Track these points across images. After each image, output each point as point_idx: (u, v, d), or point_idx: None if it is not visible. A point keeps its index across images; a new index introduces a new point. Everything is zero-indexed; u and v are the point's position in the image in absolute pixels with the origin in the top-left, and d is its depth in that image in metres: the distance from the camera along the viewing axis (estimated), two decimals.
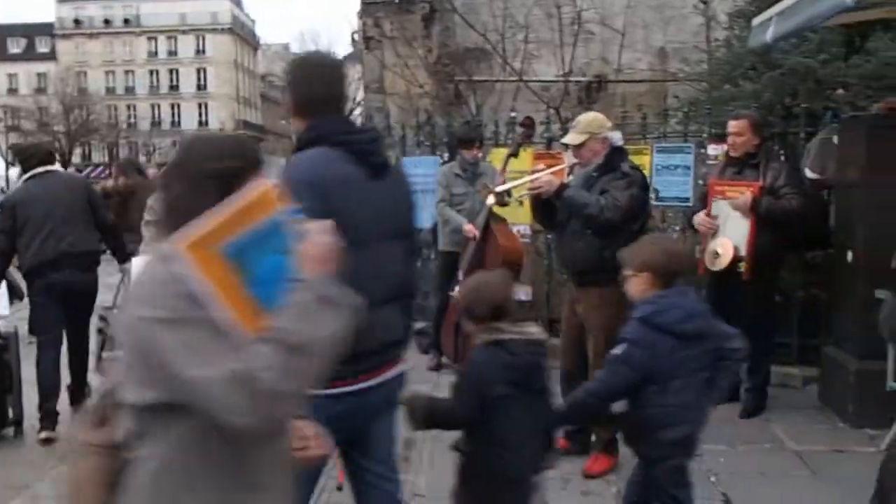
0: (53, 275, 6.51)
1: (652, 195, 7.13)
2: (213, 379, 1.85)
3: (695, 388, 3.74)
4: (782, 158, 7.22)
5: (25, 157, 7.17)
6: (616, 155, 5.48)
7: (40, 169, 6.94)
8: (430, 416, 3.53)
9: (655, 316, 3.70)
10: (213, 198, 2.00)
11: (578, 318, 5.58)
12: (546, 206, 5.62)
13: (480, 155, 8.07)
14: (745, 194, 6.31)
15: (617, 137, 5.58)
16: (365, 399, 3.22)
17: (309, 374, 1.97)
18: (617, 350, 3.78)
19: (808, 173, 6.88)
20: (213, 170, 2.07)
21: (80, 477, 2.16)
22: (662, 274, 3.76)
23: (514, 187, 6.66)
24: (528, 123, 7.56)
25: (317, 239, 2.06)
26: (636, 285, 3.83)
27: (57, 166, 7.62)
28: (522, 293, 8.65)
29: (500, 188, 6.82)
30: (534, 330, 3.63)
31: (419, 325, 9.00)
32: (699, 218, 6.63)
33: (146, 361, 1.93)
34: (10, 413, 6.67)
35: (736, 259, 6.36)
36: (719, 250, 6.46)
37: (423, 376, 8.02)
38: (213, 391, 1.86)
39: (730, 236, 6.44)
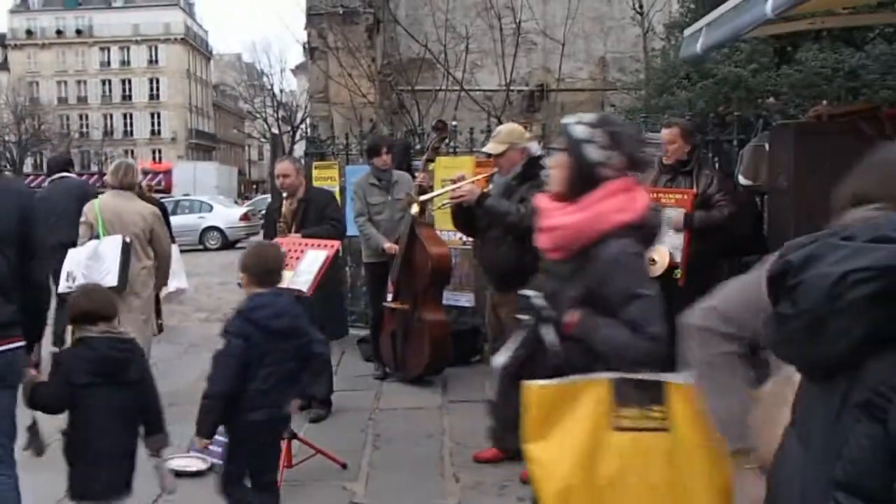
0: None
1: None
2: None
3: (279, 377, 4.26)
4: (715, 165, 7.37)
5: (49, 165, 9.45)
6: (534, 164, 5.61)
7: (57, 175, 8.77)
8: (32, 399, 3.99)
9: (251, 312, 4.22)
10: None
11: (502, 323, 5.67)
12: (467, 214, 5.73)
13: (389, 159, 8.09)
14: (678, 211, 6.42)
15: (535, 148, 5.70)
16: None
17: None
18: (220, 346, 4.24)
19: (742, 180, 7.00)
20: None
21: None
22: (256, 274, 4.33)
23: (437, 196, 6.76)
24: (441, 126, 7.63)
25: None
26: (243, 284, 4.41)
27: (70, 174, 9.05)
28: (465, 300, 8.73)
29: (422, 197, 6.93)
30: (123, 330, 4.22)
31: (362, 332, 9.07)
32: None
33: None
34: None
35: (671, 266, 6.47)
36: (655, 257, 6.54)
37: (368, 384, 8.07)
38: None
39: (665, 243, 6.56)
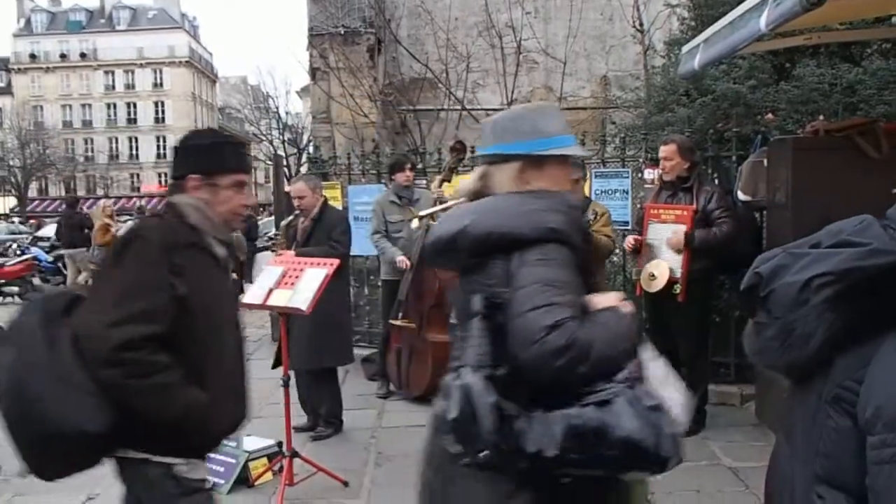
0: None
1: None
2: None
3: None
4: (715, 181, 7.40)
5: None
6: None
7: None
8: None
9: None
10: None
11: None
12: None
13: (412, 175, 8.13)
14: (678, 231, 6.46)
15: None
16: None
17: None
18: None
19: (741, 196, 7.02)
20: None
21: None
22: None
23: (438, 211, 6.78)
24: (459, 147, 7.66)
25: None
26: None
27: None
28: None
29: (423, 212, 6.96)
30: None
31: (365, 352, 9.07)
32: (627, 240, 6.89)
33: None
34: None
35: (671, 281, 6.51)
36: (655, 272, 6.60)
37: (371, 402, 8.08)
38: None
39: (665, 259, 6.59)
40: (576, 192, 6.79)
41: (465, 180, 2.91)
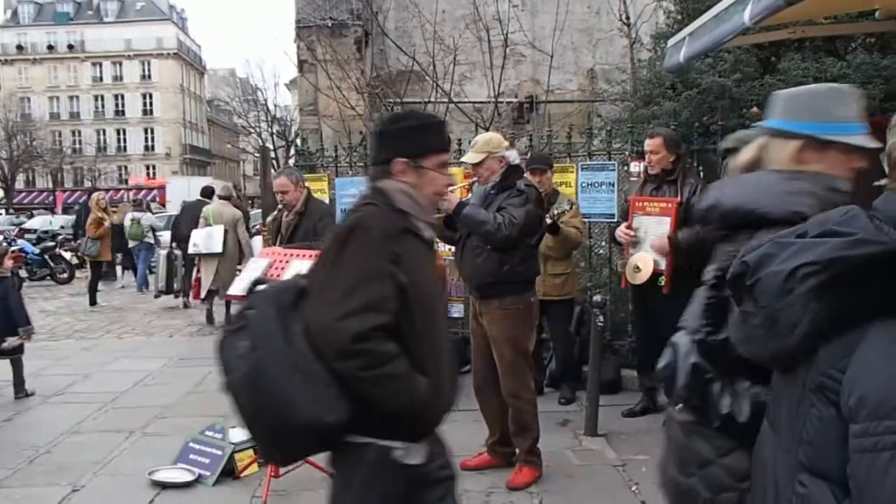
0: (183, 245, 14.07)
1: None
2: None
3: None
4: (700, 175, 7.42)
5: (204, 189, 15.08)
6: (512, 173, 5.65)
7: (198, 198, 14.80)
8: None
9: None
10: None
11: (484, 330, 5.73)
12: (446, 223, 5.75)
13: None
14: (662, 238, 6.47)
15: (513, 156, 5.72)
16: None
17: None
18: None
19: None
20: None
21: None
22: None
23: None
24: None
25: None
26: None
27: (209, 201, 14.12)
28: (455, 311, 8.76)
29: None
30: None
31: None
32: (619, 230, 6.85)
33: None
34: None
35: (656, 273, 6.52)
36: (639, 265, 6.62)
37: None
38: None
39: (650, 251, 6.61)
40: (542, 185, 6.91)
41: (743, 150, 2.88)
